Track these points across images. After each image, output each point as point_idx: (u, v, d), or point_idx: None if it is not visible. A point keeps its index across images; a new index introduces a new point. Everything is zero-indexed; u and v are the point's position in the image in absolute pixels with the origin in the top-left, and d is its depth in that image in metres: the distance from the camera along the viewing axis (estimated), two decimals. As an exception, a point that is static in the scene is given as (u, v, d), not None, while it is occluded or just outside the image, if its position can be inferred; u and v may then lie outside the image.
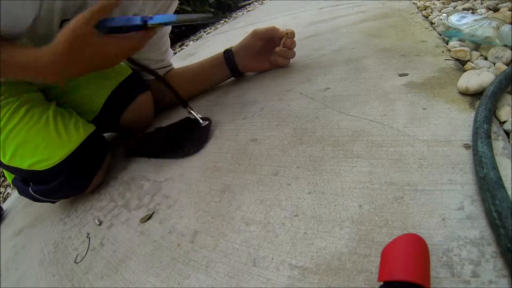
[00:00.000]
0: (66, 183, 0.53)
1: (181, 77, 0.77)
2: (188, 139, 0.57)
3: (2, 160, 0.52)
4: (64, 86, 0.65)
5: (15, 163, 0.51)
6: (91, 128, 0.58)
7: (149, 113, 0.75)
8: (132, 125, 0.71)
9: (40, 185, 0.54)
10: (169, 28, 0.72)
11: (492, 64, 0.46)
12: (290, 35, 0.66)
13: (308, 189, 0.36)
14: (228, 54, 0.72)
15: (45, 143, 0.51)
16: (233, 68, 0.74)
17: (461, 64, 0.49)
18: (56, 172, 0.51)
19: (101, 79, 0.67)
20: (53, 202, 0.60)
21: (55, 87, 0.65)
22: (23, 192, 0.58)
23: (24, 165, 0.51)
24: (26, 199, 0.74)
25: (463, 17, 0.54)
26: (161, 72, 0.75)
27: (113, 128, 0.71)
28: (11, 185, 0.61)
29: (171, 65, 0.79)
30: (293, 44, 0.68)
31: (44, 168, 0.51)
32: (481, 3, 0.68)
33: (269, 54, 0.71)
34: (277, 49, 0.69)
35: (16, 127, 0.51)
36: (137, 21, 0.43)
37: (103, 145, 0.61)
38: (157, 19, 0.43)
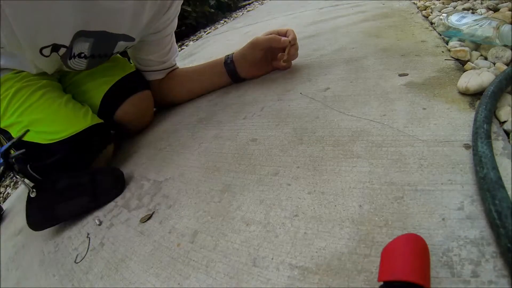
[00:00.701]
0: (62, 162, 0.55)
1: (180, 79, 0.77)
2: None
3: (12, 134, 0.56)
4: (70, 79, 0.68)
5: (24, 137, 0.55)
6: (98, 120, 0.61)
7: (145, 112, 0.75)
8: (129, 123, 0.71)
9: (37, 161, 0.56)
10: (173, 26, 0.70)
11: (492, 64, 0.46)
12: (293, 41, 0.63)
13: (308, 189, 0.36)
14: (228, 65, 0.71)
15: (53, 120, 0.56)
16: (234, 77, 0.73)
17: (461, 64, 0.49)
18: (55, 149, 0.54)
19: (104, 76, 0.68)
20: None
21: (66, 79, 0.69)
22: (21, 170, 0.59)
23: (29, 137, 0.55)
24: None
25: (463, 17, 0.54)
26: (164, 73, 0.75)
27: (111, 125, 0.71)
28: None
29: (174, 65, 0.78)
30: (297, 49, 0.67)
31: (45, 141, 0.54)
32: (481, 3, 0.68)
33: (270, 60, 0.71)
34: (281, 59, 0.66)
35: (32, 106, 0.56)
36: None
37: (106, 138, 0.63)
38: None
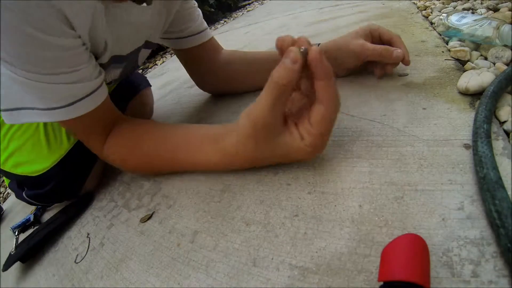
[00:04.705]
0: (56, 189, 0.52)
1: (236, 65, 0.66)
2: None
3: None
4: None
5: (8, 169, 0.52)
6: None
7: (151, 107, 0.77)
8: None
9: (32, 190, 0.54)
10: None
11: (492, 64, 0.46)
12: (406, 56, 0.48)
13: (308, 189, 0.36)
14: None
15: (35, 149, 0.51)
16: None
17: (461, 64, 0.49)
18: (47, 178, 0.51)
19: None
20: (48, 207, 0.60)
21: None
22: (18, 196, 0.58)
23: (17, 171, 0.52)
24: (26, 199, 0.74)
25: (463, 17, 0.54)
26: (202, 36, 0.63)
27: None
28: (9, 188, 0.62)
29: (206, 29, 0.63)
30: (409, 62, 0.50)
31: (34, 174, 0.51)
32: (481, 3, 0.68)
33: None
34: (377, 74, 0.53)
35: (8, 134, 0.52)
36: None
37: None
38: None
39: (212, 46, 0.66)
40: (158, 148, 0.46)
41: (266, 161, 0.39)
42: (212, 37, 0.66)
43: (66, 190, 0.54)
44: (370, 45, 0.49)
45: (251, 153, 0.37)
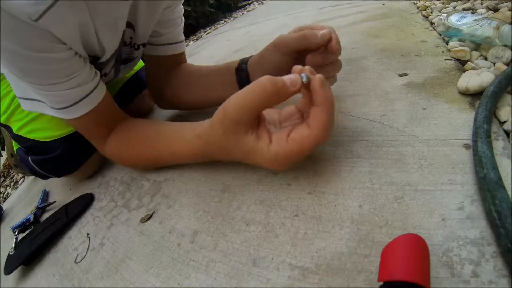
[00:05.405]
0: (61, 157, 0.58)
1: (183, 80, 0.64)
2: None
3: (14, 130, 0.60)
4: None
5: (23, 134, 0.59)
6: None
7: (153, 102, 0.84)
8: (136, 113, 0.76)
9: (39, 155, 0.59)
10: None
11: (492, 64, 0.46)
12: (333, 35, 0.41)
13: (308, 189, 0.36)
14: (241, 73, 0.52)
15: (53, 121, 0.58)
16: None
17: (461, 64, 0.49)
18: (55, 146, 0.58)
19: None
20: (46, 178, 0.65)
21: None
22: (22, 162, 0.63)
23: (30, 135, 0.58)
24: (26, 199, 0.74)
25: (463, 17, 0.54)
26: (178, 47, 0.64)
27: None
28: (15, 155, 0.68)
29: (182, 41, 0.64)
30: (339, 45, 0.42)
31: (46, 139, 0.58)
32: (481, 3, 0.68)
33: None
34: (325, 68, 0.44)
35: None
36: None
37: None
38: None
39: (180, 59, 0.68)
40: (148, 139, 0.50)
41: (234, 154, 0.37)
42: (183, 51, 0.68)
43: (69, 159, 0.59)
44: (289, 34, 0.44)
45: (218, 139, 0.37)
